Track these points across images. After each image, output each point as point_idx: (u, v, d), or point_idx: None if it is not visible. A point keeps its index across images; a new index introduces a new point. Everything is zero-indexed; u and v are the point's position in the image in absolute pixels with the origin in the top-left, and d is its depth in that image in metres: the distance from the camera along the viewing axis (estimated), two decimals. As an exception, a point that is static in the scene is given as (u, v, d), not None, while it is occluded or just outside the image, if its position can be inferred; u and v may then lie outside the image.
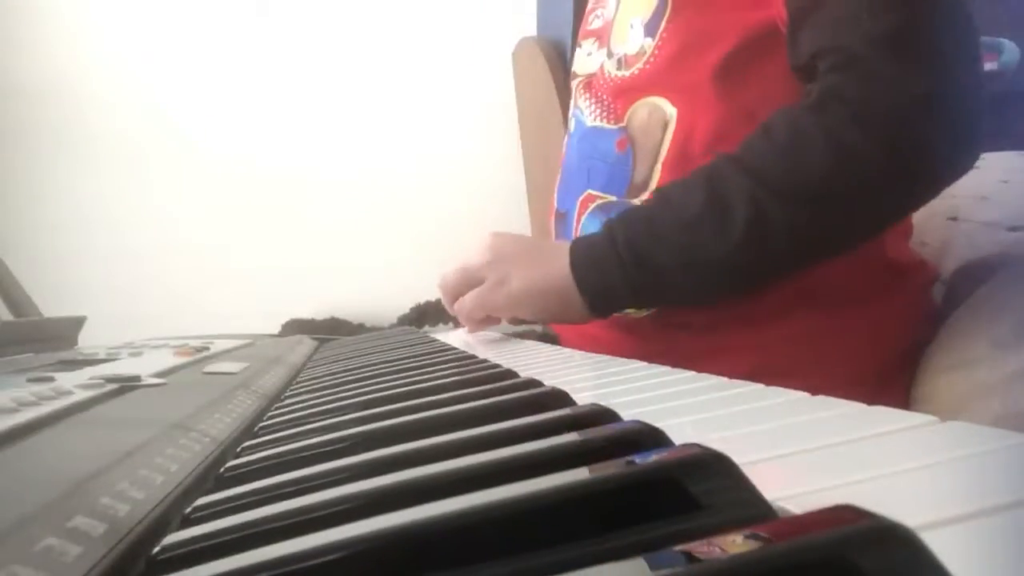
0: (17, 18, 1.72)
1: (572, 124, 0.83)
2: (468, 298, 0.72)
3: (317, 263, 1.79)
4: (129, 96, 1.77)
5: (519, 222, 1.62)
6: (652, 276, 0.64)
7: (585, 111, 0.79)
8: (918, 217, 0.74)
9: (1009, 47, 1.33)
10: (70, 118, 1.75)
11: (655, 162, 0.71)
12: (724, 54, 0.67)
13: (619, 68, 0.74)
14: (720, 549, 0.16)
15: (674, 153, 0.70)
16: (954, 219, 0.81)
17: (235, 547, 0.20)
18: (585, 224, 0.78)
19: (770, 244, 0.61)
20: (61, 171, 1.76)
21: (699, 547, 0.16)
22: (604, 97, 0.76)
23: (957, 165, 0.62)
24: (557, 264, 0.67)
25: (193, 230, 1.79)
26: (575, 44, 0.86)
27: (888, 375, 0.69)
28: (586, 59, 0.82)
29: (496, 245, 0.71)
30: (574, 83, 0.83)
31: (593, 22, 0.83)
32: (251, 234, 1.80)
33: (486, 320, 0.74)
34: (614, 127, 0.75)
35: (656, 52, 0.71)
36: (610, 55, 0.76)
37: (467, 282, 0.72)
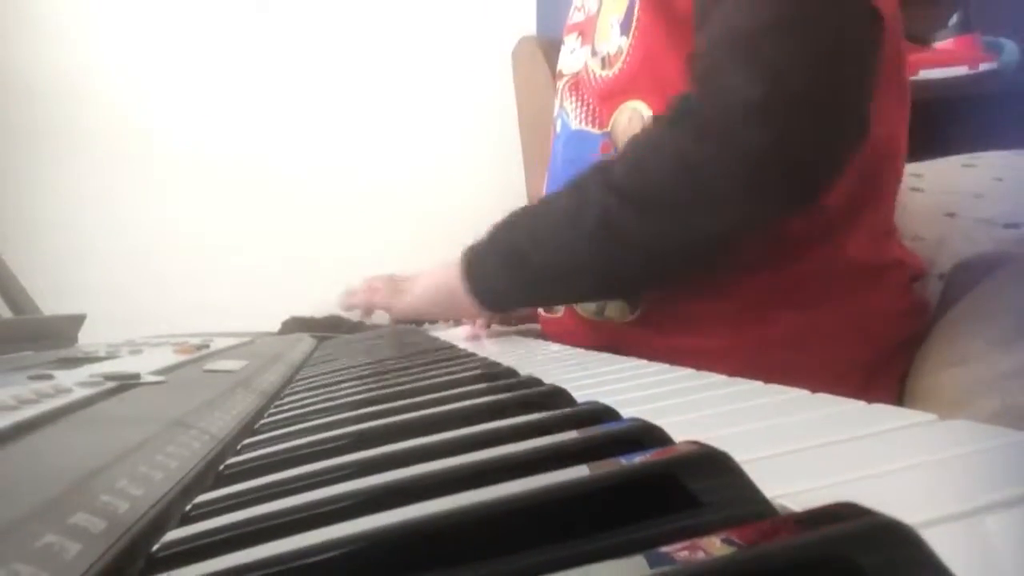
0: (17, 16, 1.72)
1: (558, 125, 0.82)
2: (380, 294, 0.83)
3: (317, 261, 1.78)
4: (129, 94, 1.77)
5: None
6: (529, 275, 0.69)
7: (571, 113, 0.78)
8: (914, 212, 0.74)
9: (1009, 47, 1.34)
10: (70, 116, 1.75)
11: None
12: (689, 54, 0.67)
13: (603, 68, 0.74)
14: (719, 548, 0.16)
15: None
16: (951, 215, 0.81)
17: (235, 544, 0.20)
18: None
19: (620, 249, 0.64)
20: (61, 169, 1.76)
21: (698, 544, 0.16)
22: (590, 101, 0.76)
23: (803, 176, 0.59)
24: (452, 270, 0.74)
25: (193, 228, 1.79)
26: None
27: (874, 373, 0.69)
28: (570, 56, 0.81)
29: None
30: (560, 83, 0.82)
31: (574, 15, 0.83)
32: (251, 232, 1.80)
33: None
34: (598, 132, 0.74)
35: (631, 51, 0.70)
36: (594, 53, 0.76)
37: (391, 284, 0.83)
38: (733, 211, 0.61)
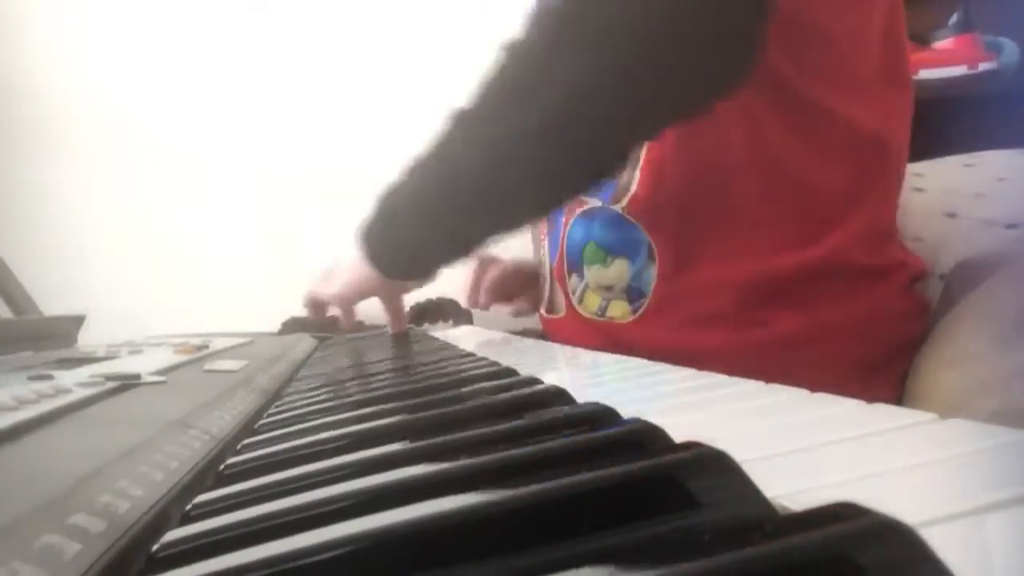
0: (12, 17, 1.72)
1: None
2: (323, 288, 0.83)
3: (317, 261, 1.78)
4: (130, 94, 1.77)
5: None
6: (433, 216, 0.67)
7: None
8: (915, 213, 0.74)
9: (1009, 47, 1.34)
10: (69, 116, 1.75)
11: (636, 166, 0.71)
12: None
13: None
14: (719, 548, 0.16)
15: (652, 157, 0.70)
16: (951, 216, 0.81)
17: (235, 544, 0.20)
18: (571, 230, 0.78)
19: (509, 166, 0.60)
20: (61, 169, 1.76)
21: (697, 544, 0.16)
22: None
23: (702, 70, 0.56)
24: (356, 252, 0.74)
25: (194, 228, 1.79)
26: None
27: (874, 373, 0.69)
28: None
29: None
30: None
31: None
32: (251, 232, 1.80)
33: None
34: None
35: None
36: None
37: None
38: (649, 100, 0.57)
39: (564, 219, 0.79)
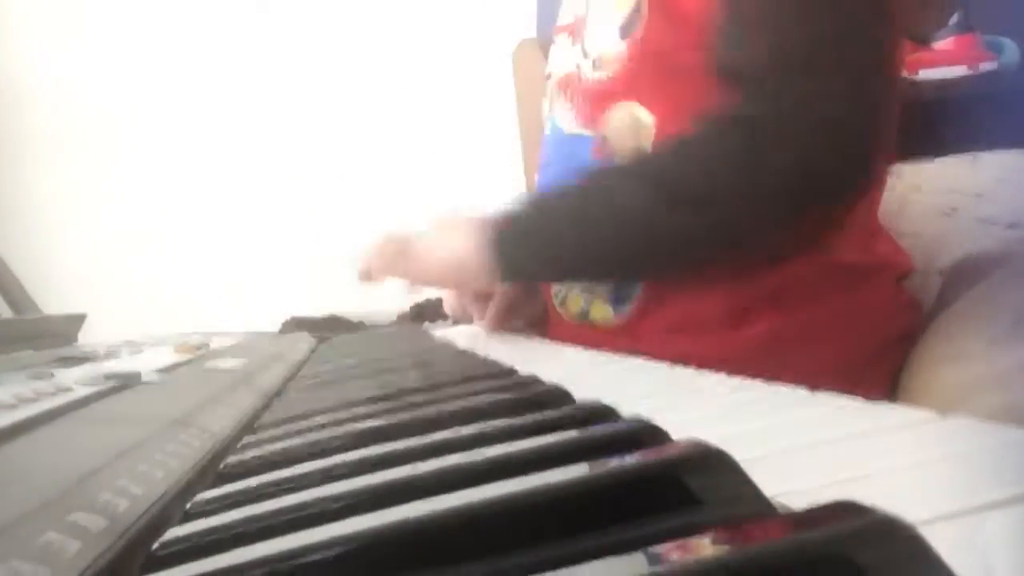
0: (10, 17, 1.72)
1: (548, 127, 0.81)
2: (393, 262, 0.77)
3: (317, 261, 1.79)
4: (130, 94, 1.77)
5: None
6: (561, 254, 0.69)
7: (563, 115, 0.78)
8: (914, 211, 0.74)
9: (1009, 47, 1.33)
10: (70, 116, 1.75)
11: None
12: (703, 71, 0.65)
13: (595, 69, 0.74)
14: (719, 547, 0.16)
15: None
16: (952, 213, 0.81)
17: (235, 543, 0.20)
18: None
19: (660, 241, 0.65)
20: (61, 169, 1.76)
21: (696, 543, 0.16)
22: (581, 101, 0.75)
23: (851, 186, 0.63)
24: (466, 229, 0.71)
25: (194, 228, 1.79)
26: None
27: (860, 373, 0.69)
28: (560, 57, 0.81)
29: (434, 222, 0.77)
30: (549, 83, 0.82)
31: (564, 17, 0.82)
32: (252, 232, 1.80)
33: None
34: (591, 134, 0.74)
35: (632, 56, 0.70)
36: (585, 55, 0.75)
37: (399, 248, 0.77)
38: (783, 216, 0.63)
39: None
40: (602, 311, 0.73)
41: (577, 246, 0.68)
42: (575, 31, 0.78)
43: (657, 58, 0.68)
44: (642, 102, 0.70)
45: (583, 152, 0.74)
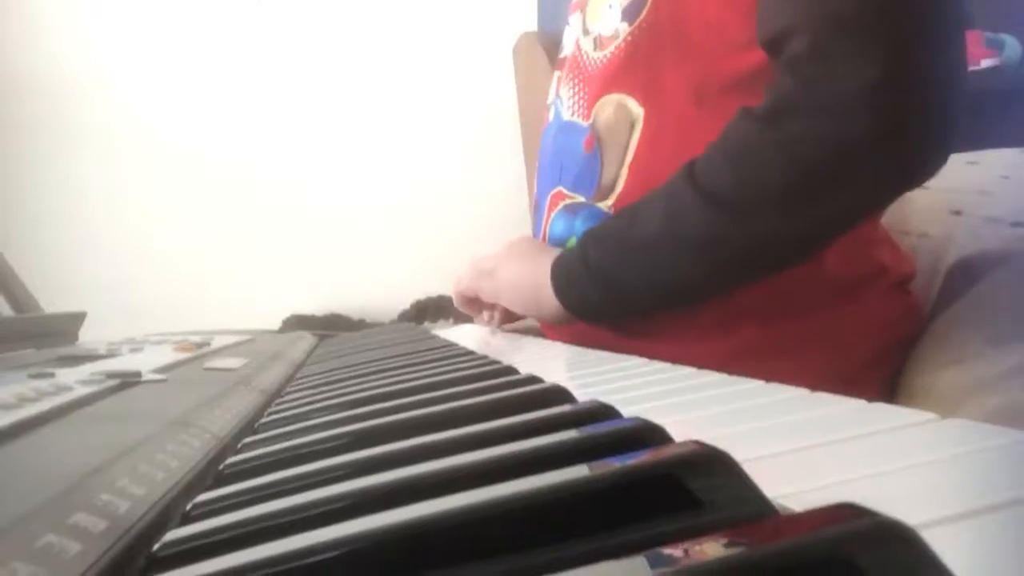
0: (19, 12, 1.72)
1: (551, 113, 0.81)
2: (464, 278, 0.81)
3: (318, 259, 1.79)
4: (131, 92, 1.77)
5: (519, 218, 1.62)
6: (623, 295, 0.67)
7: (564, 102, 0.77)
8: (920, 209, 0.74)
9: (1011, 43, 1.33)
10: (72, 114, 1.75)
11: (622, 164, 0.70)
12: (704, 72, 0.65)
13: (595, 48, 0.73)
14: (720, 548, 0.16)
15: (641, 156, 0.69)
16: (957, 213, 0.81)
17: (235, 544, 0.20)
18: (553, 223, 0.77)
19: (727, 261, 0.62)
20: (62, 167, 1.76)
21: (697, 544, 0.16)
22: (580, 87, 0.75)
23: (921, 161, 0.60)
24: (541, 269, 0.71)
25: (194, 226, 1.79)
26: None
27: (850, 383, 0.67)
28: (569, 36, 0.80)
29: (509, 243, 0.79)
30: (561, 69, 0.81)
31: None
32: (252, 230, 1.80)
33: (480, 307, 0.83)
34: (584, 124, 0.73)
35: (629, 39, 0.69)
36: (586, 32, 0.75)
37: (474, 270, 0.81)
38: (853, 196, 0.60)
39: (547, 207, 0.78)
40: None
41: (646, 284, 0.66)
42: (583, 5, 0.77)
43: (655, 52, 0.68)
44: (632, 94, 0.69)
45: (576, 143, 0.74)
